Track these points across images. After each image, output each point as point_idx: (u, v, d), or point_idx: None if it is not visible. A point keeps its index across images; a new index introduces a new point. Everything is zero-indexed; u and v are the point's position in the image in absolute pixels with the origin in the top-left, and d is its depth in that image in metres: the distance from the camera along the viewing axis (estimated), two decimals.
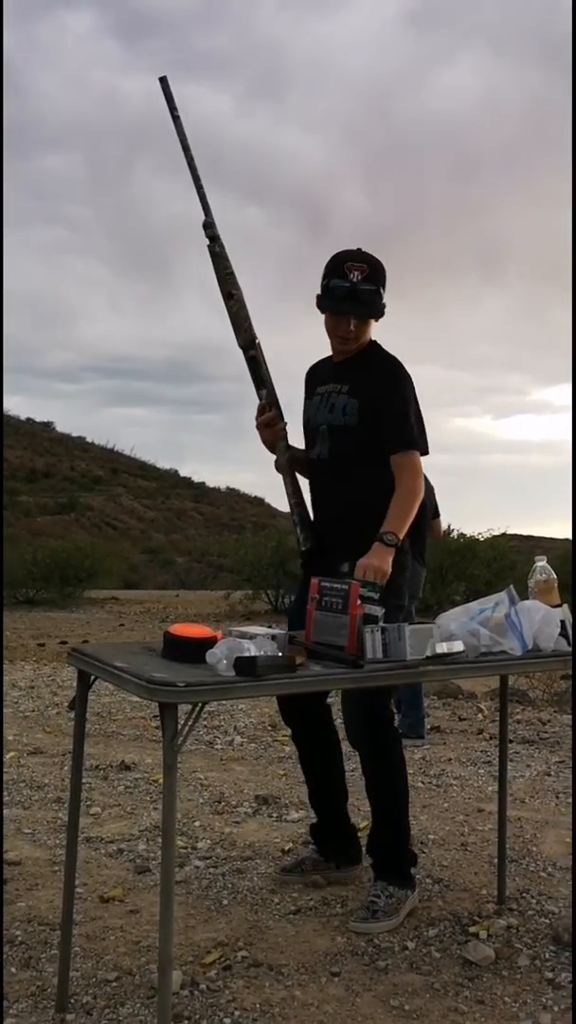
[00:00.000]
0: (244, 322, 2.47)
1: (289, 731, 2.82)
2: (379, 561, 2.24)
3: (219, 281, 2.46)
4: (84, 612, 14.85)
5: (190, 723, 1.65)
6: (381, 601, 2.10)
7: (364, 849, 2.60)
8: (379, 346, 2.54)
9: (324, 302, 2.46)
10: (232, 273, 2.45)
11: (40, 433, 51.68)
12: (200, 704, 1.68)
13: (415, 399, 2.48)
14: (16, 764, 3.97)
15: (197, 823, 3.22)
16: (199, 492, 53.47)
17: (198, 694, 1.66)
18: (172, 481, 53.93)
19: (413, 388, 2.49)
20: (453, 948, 2.28)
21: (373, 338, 2.53)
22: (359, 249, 2.44)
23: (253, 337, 2.48)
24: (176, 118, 2.43)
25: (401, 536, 2.34)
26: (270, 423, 2.53)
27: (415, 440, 2.44)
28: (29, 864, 2.75)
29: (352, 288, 2.40)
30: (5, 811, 3.28)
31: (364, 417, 2.44)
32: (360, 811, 3.37)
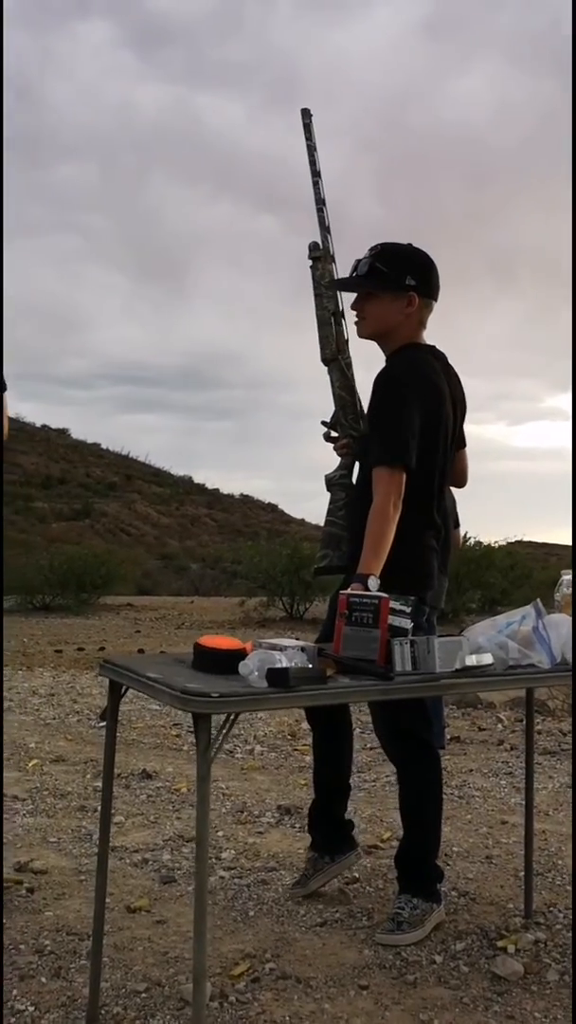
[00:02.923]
0: (321, 341, 2.50)
1: (310, 740, 2.82)
2: None
3: (314, 301, 2.51)
4: (100, 618, 14.88)
5: (223, 733, 1.65)
6: (412, 615, 2.09)
7: (393, 861, 2.58)
8: (409, 350, 2.44)
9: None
10: (320, 295, 2.49)
11: (55, 440, 51.95)
12: (233, 715, 1.69)
13: (405, 407, 2.32)
14: (39, 772, 3.98)
15: (220, 833, 3.22)
16: (212, 498, 53.60)
17: (231, 704, 1.66)
18: (186, 487, 54.08)
19: (403, 396, 2.34)
20: (481, 962, 2.27)
21: (425, 341, 2.47)
22: (407, 244, 2.46)
23: (329, 357, 2.50)
24: (311, 148, 2.46)
25: (376, 572, 2.19)
26: (328, 441, 2.56)
27: (383, 454, 2.31)
28: (55, 873, 2.75)
29: (354, 265, 2.43)
30: (29, 820, 3.29)
31: (369, 427, 2.44)
32: (383, 822, 3.37)
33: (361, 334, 2.48)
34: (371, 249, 2.44)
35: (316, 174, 2.46)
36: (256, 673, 1.74)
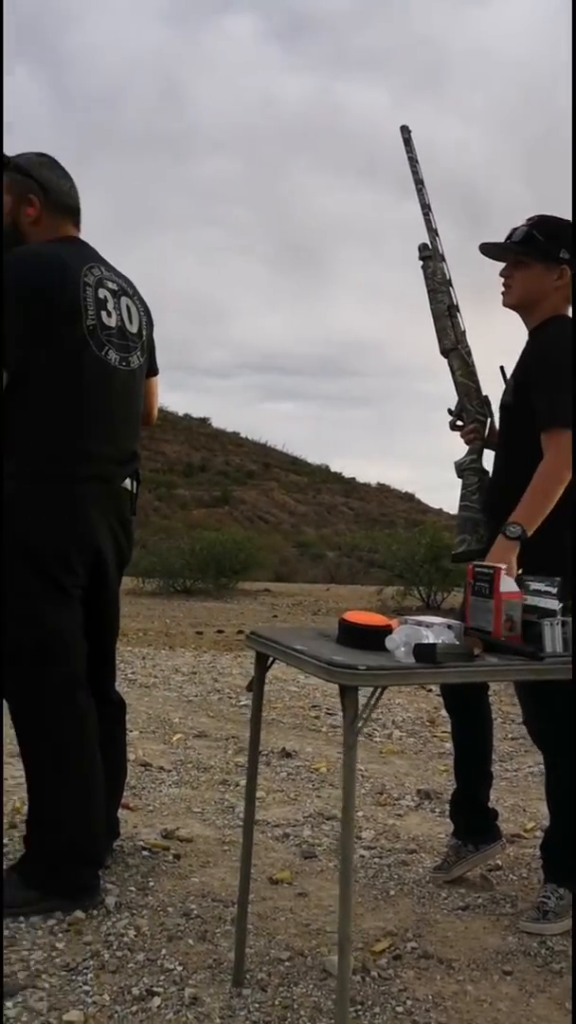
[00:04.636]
0: (439, 333, 2.54)
1: (448, 728, 2.79)
2: (496, 560, 2.08)
3: (427, 297, 2.55)
4: (238, 603, 15.17)
5: (370, 706, 1.65)
6: (558, 595, 2.03)
7: (538, 850, 2.53)
8: (561, 320, 2.38)
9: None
10: (435, 290, 2.53)
11: (196, 428, 53.27)
12: (380, 688, 1.68)
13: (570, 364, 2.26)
14: (183, 745, 4.10)
15: (360, 813, 3.22)
16: (349, 487, 53.71)
17: (378, 678, 1.66)
18: (323, 476, 54.39)
19: (572, 359, 2.27)
20: None
21: (564, 313, 2.42)
22: (567, 219, 2.41)
23: (448, 347, 2.52)
24: (412, 160, 2.54)
25: (530, 527, 2.16)
26: (454, 429, 2.58)
27: (556, 416, 2.23)
28: (200, 842, 2.83)
29: (509, 233, 2.41)
30: (175, 790, 3.40)
31: (516, 394, 2.39)
32: (526, 812, 3.30)
33: (506, 303, 2.46)
34: (529, 219, 2.41)
35: (419, 183, 2.55)
36: (403, 648, 1.72)
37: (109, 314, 2.31)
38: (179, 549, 17.33)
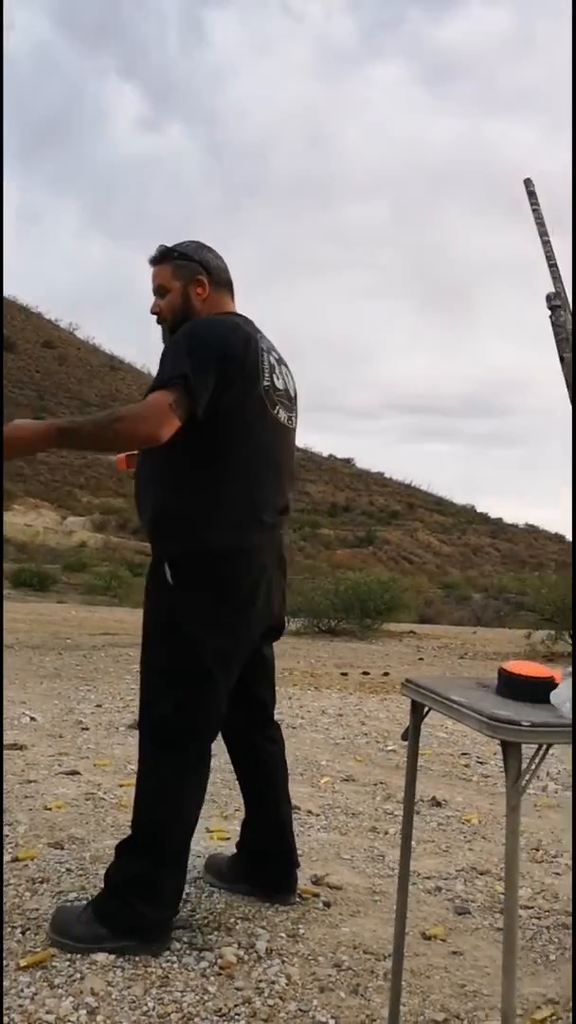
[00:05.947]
0: (570, 383, 2.49)
1: None
2: None
3: (556, 346, 2.52)
4: (382, 644, 15.01)
5: (536, 764, 1.59)
6: None
7: None
8: None
9: None
10: (564, 339, 2.48)
11: (341, 469, 53.63)
12: (545, 746, 1.62)
13: None
14: (331, 790, 4.07)
15: None
16: (496, 528, 52.70)
17: (543, 735, 1.59)
18: (468, 516, 53.59)
19: None
20: None
21: None
22: None
23: None
24: (536, 210, 2.53)
25: None
26: None
27: None
28: (350, 890, 2.79)
29: None
30: (323, 835, 3.37)
31: None
32: None
33: None
34: None
35: (544, 235, 2.49)
36: (568, 704, 1.66)
37: (278, 377, 2.49)
38: (323, 589, 17.36)
